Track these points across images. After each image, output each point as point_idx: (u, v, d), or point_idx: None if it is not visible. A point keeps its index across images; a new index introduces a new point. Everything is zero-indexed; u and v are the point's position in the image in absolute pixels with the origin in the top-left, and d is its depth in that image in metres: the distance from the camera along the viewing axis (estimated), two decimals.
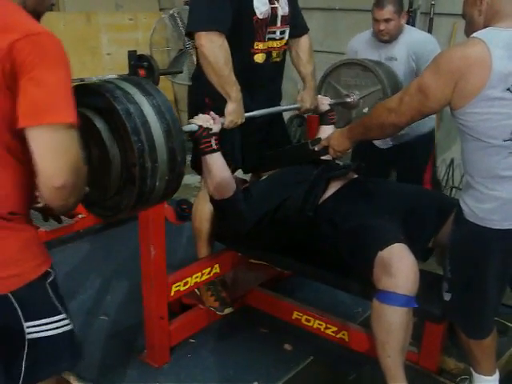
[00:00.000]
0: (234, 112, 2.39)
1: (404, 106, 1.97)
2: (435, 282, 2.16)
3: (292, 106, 2.88)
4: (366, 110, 2.88)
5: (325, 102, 2.82)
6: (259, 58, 2.55)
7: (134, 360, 2.68)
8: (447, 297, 2.13)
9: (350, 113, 3.01)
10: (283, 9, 2.56)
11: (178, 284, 2.56)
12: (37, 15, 1.42)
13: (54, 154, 1.26)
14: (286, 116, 4.71)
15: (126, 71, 4.35)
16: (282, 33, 2.60)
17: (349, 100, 2.94)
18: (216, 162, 2.31)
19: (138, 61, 4.40)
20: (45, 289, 1.48)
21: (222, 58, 2.34)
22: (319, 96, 2.84)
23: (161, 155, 1.61)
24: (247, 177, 2.97)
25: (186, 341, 2.78)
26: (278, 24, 2.56)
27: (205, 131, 2.21)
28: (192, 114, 2.70)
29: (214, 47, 2.32)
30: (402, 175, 3.54)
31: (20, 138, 1.29)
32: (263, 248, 2.62)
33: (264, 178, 2.66)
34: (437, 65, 1.87)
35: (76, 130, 1.30)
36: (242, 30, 2.42)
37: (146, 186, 1.61)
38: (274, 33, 2.56)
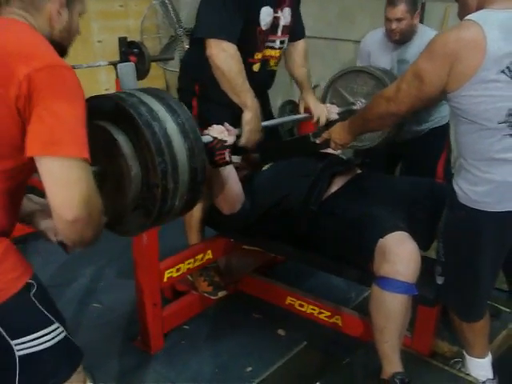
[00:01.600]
0: (252, 121, 2.35)
1: (402, 94, 1.96)
2: (428, 266, 2.16)
3: (303, 116, 2.81)
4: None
5: (333, 111, 2.75)
6: (256, 67, 2.55)
7: (127, 347, 2.68)
8: (440, 280, 2.13)
9: None
10: (286, 19, 2.53)
11: (170, 270, 2.56)
12: (61, 49, 1.44)
13: (64, 186, 1.24)
14: (278, 101, 4.70)
15: (117, 58, 4.31)
16: (282, 42, 2.60)
17: (355, 108, 2.86)
18: (229, 175, 2.27)
19: (128, 47, 4.37)
20: (30, 302, 1.40)
21: (235, 68, 2.32)
22: (328, 105, 2.78)
23: (182, 176, 1.56)
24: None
25: (179, 327, 2.79)
26: (279, 33, 2.55)
27: (219, 143, 2.11)
28: (181, 100, 2.69)
29: (227, 57, 2.30)
30: (414, 168, 3.37)
31: (15, 161, 1.30)
32: (260, 236, 2.60)
33: (266, 169, 2.62)
34: (431, 49, 1.86)
35: (89, 165, 1.28)
36: (244, 41, 2.39)
37: (165, 206, 1.56)
38: (274, 42, 2.55)
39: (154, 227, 1.81)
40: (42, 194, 1.38)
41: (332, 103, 2.88)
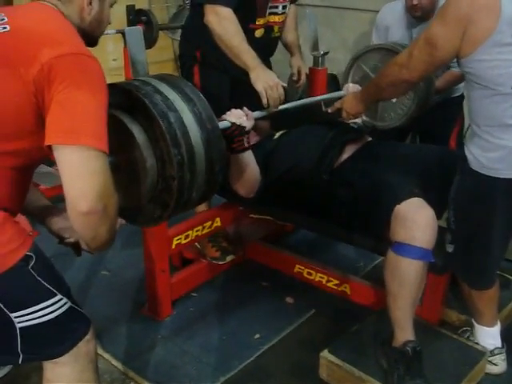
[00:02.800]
0: (259, 78, 2.28)
1: (414, 60, 1.93)
2: (438, 234, 2.14)
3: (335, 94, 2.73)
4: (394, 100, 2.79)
5: (355, 90, 2.73)
6: (259, 33, 2.52)
7: (136, 314, 2.70)
8: (450, 248, 2.12)
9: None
10: None
11: (179, 237, 2.56)
12: (91, 39, 1.45)
13: (81, 176, 1.23)
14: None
15: (124, 27, 4.28)
16: (284, 7, 2.57)
17: None
18: (247, 161, 2.22)
19: (136, 15, 4.34)
20: (29, 274, 1.38)
21: (230, 30, 2.30)
22: (350, 84, 2.68)
23: (199, 166, 1.53)
24: None
25: (187, 295, 2.79)
26: None
27: (237, 129, 2.06)
28: (182, 66, 2.66)
29: (221, 20, 2.29)
30: (426, 139, 3.34)
31: (25, 143, 1.30)
32: (271, 205, 2.58)
33: (276, 137, 2.59)
34: (444, 14, 1.82)
35: (107, 158, 1.27)
36: (245, 6, 2.38)
37: (182, 198, 1.54)
38: (277, 7, 2.53)
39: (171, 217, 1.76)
40: None
41: (355, 80, 2.83)
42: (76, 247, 1.64)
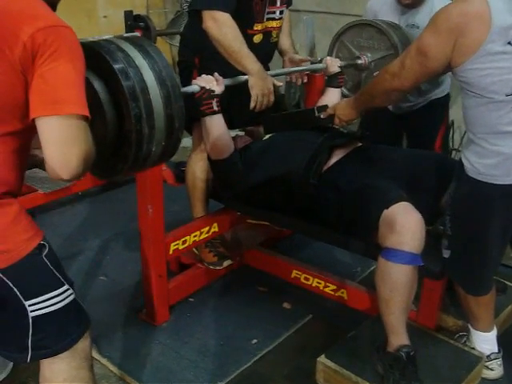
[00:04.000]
0: (256, 85, 2.38)
1: (406, 70, 1.95)
2: (434, 239, 2.15)
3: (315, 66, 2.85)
4: (376, 73, 2.80)
5: (335, 64, 2.76)
6: (257, 38, 2.53)
7: (133, 319, 2.69)
8: (446, 254, 2.13)
9: (360, 75, 2.96)
10: None
11: (176, 243, 2.56)
12: (51, 5, 1.44)
13: (63, 145, 1.27)
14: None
15: (122, 33, 4.29)
16: (281, 13, 2.59)
17: (360, 62, 2.87)
18: (216, 125, 2.30)
19: (134, 21, 4.35)
20: (42, 263, 1.44)
21: (229, 35, 2.33)
22: (329, 58, 2.79)
23: (158, 122, 1.57)
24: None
25: (185, 300, 2.80)
26: (278, 4, 2.56)
27: (206, 92, 2.18)
28: (182, 72, 2.68)
29: (220, 25, 2.31)
30: (413, 141, 3.39)
31: (27, 122, 1.31)
32: (265, 209, 2.59)
33: (266, 138, 2.62)
34: (435, 24, 1.83)
35: (88, 123, 1.31)
36: (243, 12, 2.39)
37: (141, 151, 1.58)
38: (274, 13, 2.55)
39: (133, 172, 1.85)
40: None
41: (338, 57, 2.87)
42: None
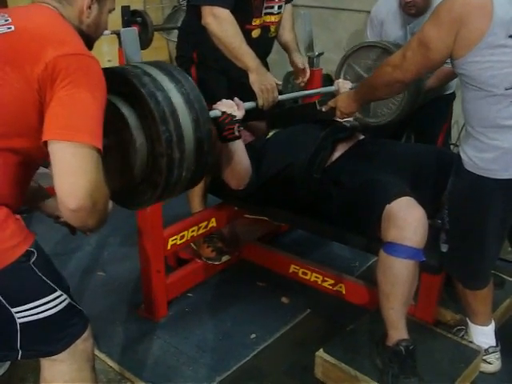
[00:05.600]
0: (257, 81, 2.37)
1: (407, 62, 1.94)
2: (432, 234, 2.15)
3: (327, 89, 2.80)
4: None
5: (346, 87, 2.71)
6: (255, 33, 2.53)
7: (131, 315, 2.70)
8: (444, 248, 2.13)
9: None
10: None
11: (174, 238, 2.56)
12: (87, 42, 1.46)
13: (72, 173, 1.25)
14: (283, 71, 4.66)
15: (119, 28, 4.28)
16: (280, 7, 2.58)
17: None
18: (237, 150, 2.23)
19: (131, 16, 4.34)
20: (30, 270, 1.40)
21: (230, 31, 2.32)
22: (340, 81, 2.75)
23: (189, 145, 1.55)
24: None
25: (183, 295, 2.80)
26: None
27: (228, 118, 2.12)
28: (179, 67, 2.66)
29: (220, 22, 2.31)
30: (416, 137, 3.42)
31: (35, 143, 1.30)
32: (265, 205, 2.60)
33: (269, 136, 2.61)
34: (437, 15, 1.83)
35: (100, 156, 1.29)
36: (241, 7, 2.39)
37: (172, 177, 1.56)
38: (272, 7, 2.54)
39: (161, 200, 1.78)
40: None
41: (345, 79, 2.85)
42: (70, 227, 1.65)
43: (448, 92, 3.23)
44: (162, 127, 1.49)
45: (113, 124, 1.49)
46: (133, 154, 1.53)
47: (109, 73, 1.51)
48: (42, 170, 3.54)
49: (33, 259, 1.40)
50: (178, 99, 1.55)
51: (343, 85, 2.70)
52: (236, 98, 2.20)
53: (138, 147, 1.52)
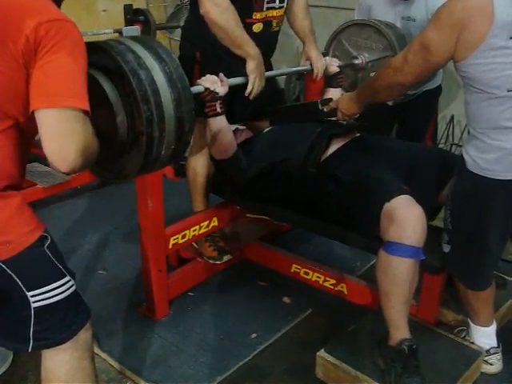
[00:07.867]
0: (256, 69, 2.38)
1: (409, 65, 1.94)
2: (434, 234, 2.15)
3: (303, 67, 2.81)
4: (372, 74, 2.79)
5: (334, 64, 2.75)
6: (257, 27, 2.51)
7: (132, 313, 2.70)
8: (447, 248, 2.12)
9: (356, 74, 2.94)
10: None
11: (176, 237, 2.56)
12: (57, 2, 1.44)
13: (61, 138, 1.27)
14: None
15: (122, 27, 4.28)
16: (282, 1, 2.56)
17: (357, 62, 2.85)
18: (219, 126, 2.28)
19: (134, 15, 4.35)
20: (44, 254, 1.45)
21: (231, 20, 2.31)
22: (328, 58, 2.77)
23: (169, 125, 1.56)
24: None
25: (184, 294, 2.80)
26: None
27: (210, 94, 2.16)
28: (183, 67, 2.67)
29: (222, 11, 2.29)
30: (405, 131, 3.42)
31: (28, 115, 1.31)
32: (263, 202, 2.60)
33: (266, 131, 2.63)
34: (438, 19, 1.83)
35: (88, 116, 1.31)
36: (241, 1, 2.37)
37: (151, 155, 1.57)
38: (274, 1, 2.52)
39: (141, 175, 1.84)
40: None
41: (334, 55, 2.85)
42: None
43: (433, 86, 3.24)
44: (144, 106, 1.50)
45: (94, 99, 1.49)
46: (113, 130, 1.54)
47: (92, 47, 1.51)
48: (42, 168, 3.57)
49: (47, 244, 1.45)
50: (160, 78, 1.55)
51: (330, 62, 2.74)
52: (221, 74, 2.23)
53: (119, 124, 1.53)
